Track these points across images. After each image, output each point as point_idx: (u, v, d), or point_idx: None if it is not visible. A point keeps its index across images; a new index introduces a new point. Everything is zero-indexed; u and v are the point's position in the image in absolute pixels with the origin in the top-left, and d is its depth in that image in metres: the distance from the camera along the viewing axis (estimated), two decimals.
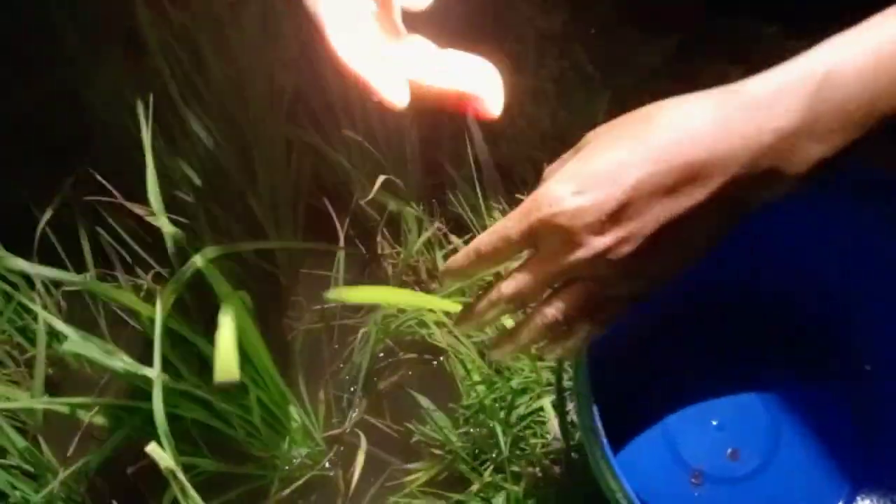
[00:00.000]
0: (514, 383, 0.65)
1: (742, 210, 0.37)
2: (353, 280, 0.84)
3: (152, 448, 0.43)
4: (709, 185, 0.35)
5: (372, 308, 0.75)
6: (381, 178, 0.68)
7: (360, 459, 0.70)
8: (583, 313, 0.40)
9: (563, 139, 0.80)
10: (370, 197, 0.64)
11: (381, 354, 0.79)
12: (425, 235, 0.64)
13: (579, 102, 0.82)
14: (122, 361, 0.51)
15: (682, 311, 0.66)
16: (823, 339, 0.63)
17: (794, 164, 0.35)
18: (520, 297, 0.40)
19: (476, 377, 0.68)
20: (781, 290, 0.63)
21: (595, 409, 0.45)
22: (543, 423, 0.66)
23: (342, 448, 0.74)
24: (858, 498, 0.60)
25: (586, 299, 0.40)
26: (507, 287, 0.40)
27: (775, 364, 0.65)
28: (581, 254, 0.37)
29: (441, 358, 0.77)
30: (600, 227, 0.36)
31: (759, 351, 0.66)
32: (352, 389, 0.77)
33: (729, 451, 0.63)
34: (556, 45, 0.87)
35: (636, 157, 0.36)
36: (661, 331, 0.66)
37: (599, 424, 0.44)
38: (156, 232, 0.59)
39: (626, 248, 0.37)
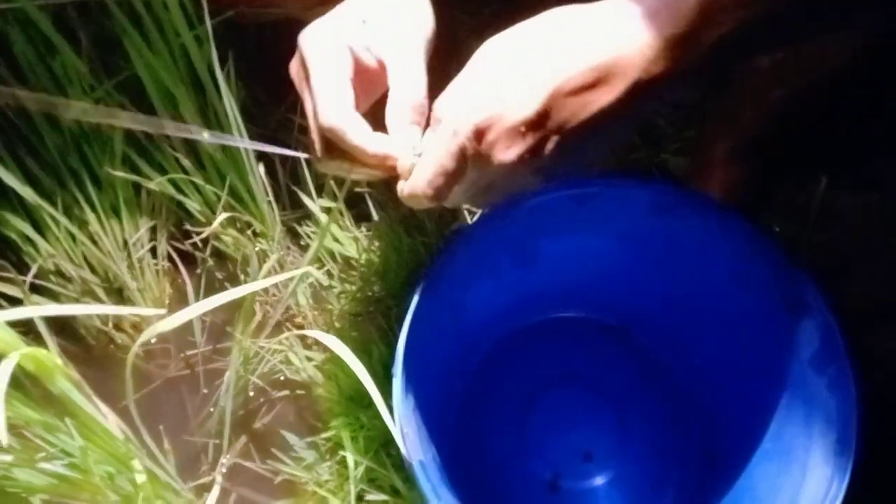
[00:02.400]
0: (371, 413, 0.65)
1: (649, 103, 0.40)
2: (223, 320, 0.82)
3: None
4: (617, 86, 0.38)
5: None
6: (222, 215, 0.67)
7: None
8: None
9: None
10: (204, 235, 0.63)
11: (252, 394, 0.77)
12: (265, 268, 0.64)
13: None
14: None
15: (527, 321, 0.68)
16: (659, 340, 0.66)
17: (687, 60, 0.38)
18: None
19: (335, 408, 0.67)
20: (618, 301, 0.66)
21: (407, 430, 0.45)
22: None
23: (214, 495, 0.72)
24: (705, 488, 0.62)
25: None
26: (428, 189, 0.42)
27: (621, 368, 0.67)
28: (502, 156, 0.40)
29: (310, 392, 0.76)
30: (517, 134, 0.39)
31: (604, 356, 0.68)
32: (222, 434, 0.75)
33: (583, 453, 0.64)
34: None
35: (548, 67, 0.38)
36: (509, 341, 0.68)
37: (410, 452, 0.44)
38: None
39: (545, 147, 0.40)
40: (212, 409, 0.77)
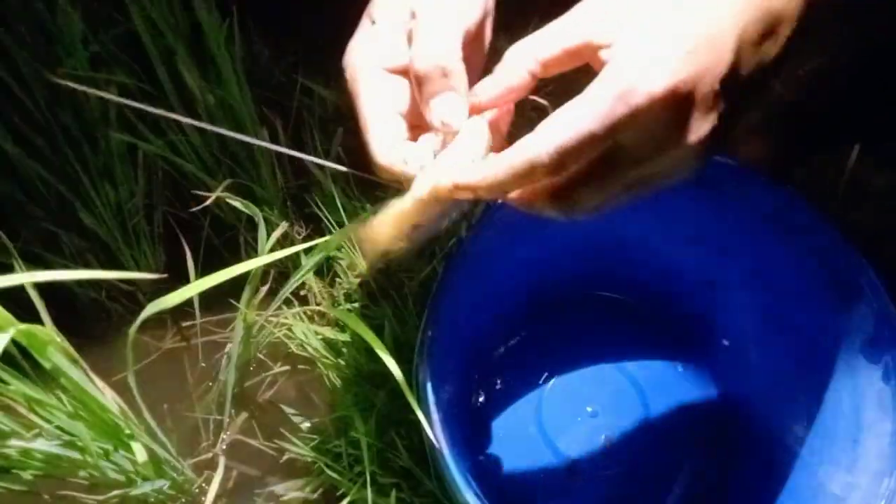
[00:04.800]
0: (384, 393, 0.62)
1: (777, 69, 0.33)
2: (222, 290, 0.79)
3: None
4: (778, 39, 0.32)
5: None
6: (226, 182, 0.63)
7: (228, 484, 0.65)
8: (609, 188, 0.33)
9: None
10: (206, 203, 0.59)
11: (253, 367, 0.74)
12: (273, 238, 0.60)
13: None
14: None
15: (551, 301, 0.65)
16: (686, 322, 0.63)
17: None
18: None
19: (345, 386, 0.64)
20: (644, 279, 0.63)
21: (436, 417, 0.42)
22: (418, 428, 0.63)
23: (213, 473, 0.69)
24: (729, 477, 0.60)
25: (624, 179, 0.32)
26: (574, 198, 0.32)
27: (643, 349, 0.65)
28: (693, 138, 0.30)
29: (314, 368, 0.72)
30: (714, 96, 0.30)
31: (628, 337, 0.65)
32: (222, 409, 0.72)
33: (603, 437, 0.62)
34: None
35: (723, 9, 0.30)
36: (532, 321, 0.65)
37: (440, 438, 0.41)
38: None
39: (723, 125, 0.31)
40: (211, 384, 0.73)
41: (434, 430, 0.41)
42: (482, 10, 0.37)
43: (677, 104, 0.29)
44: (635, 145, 0.31)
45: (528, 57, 0.33)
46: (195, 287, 0.48)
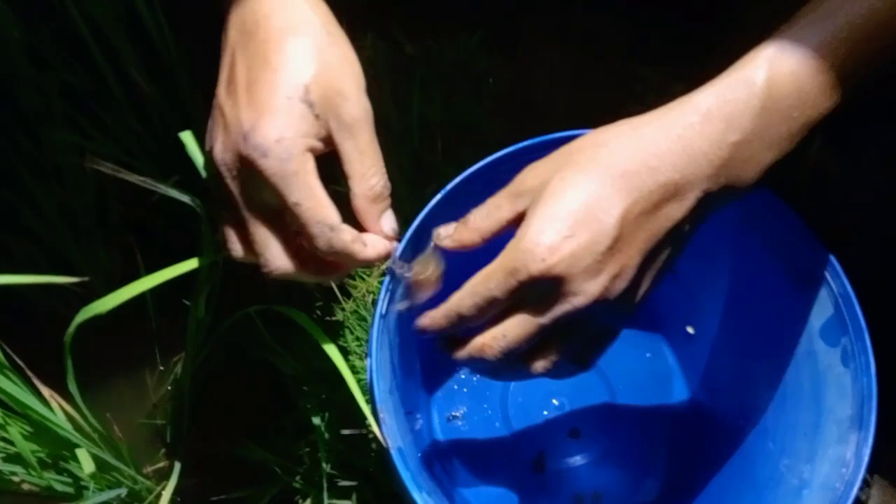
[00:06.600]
0: (343, 393, 0.60)
1: (705, 219, 0.37)
2: (175, 291, 0.76)
3: None
4: (684, 203, 0.35)
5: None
6: (176, 177, 0.61)
7: (186, 491, 0.64)
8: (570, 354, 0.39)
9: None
10: (155, 198, 0.57)
11: (213, 372, 0.72)
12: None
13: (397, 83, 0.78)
14: None
15: None
16: (651, 310, 0.62)
17: (750, 171, 0.36)
18: (507, 356, 0.38)
19: (303, 387, 0.62)
20: None
21: (383, 416, 0.41)
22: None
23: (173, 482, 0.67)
24: (697, 465, 0.59)
25: (572, 341, 0.38)
26: (495, 346, 0.38)
27: None
28: (579, 301, 0.35)
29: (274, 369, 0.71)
30: (596, 268, 0.35)
31: None
32: (181, 414, 0.70)
33: (570, 429, 0.61)
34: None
35: (612, 188, 0.35)
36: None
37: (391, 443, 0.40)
38: None
39: (621, 284, 0.36)
40: (170, 388, 0.72)
41: (381, 430, 0.40)
42: (316, 135, 0.41)
43: (555, 278, 0.35)
44: (535, 305, 0.36)
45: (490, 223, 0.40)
46: (131, 289, 0.46)
